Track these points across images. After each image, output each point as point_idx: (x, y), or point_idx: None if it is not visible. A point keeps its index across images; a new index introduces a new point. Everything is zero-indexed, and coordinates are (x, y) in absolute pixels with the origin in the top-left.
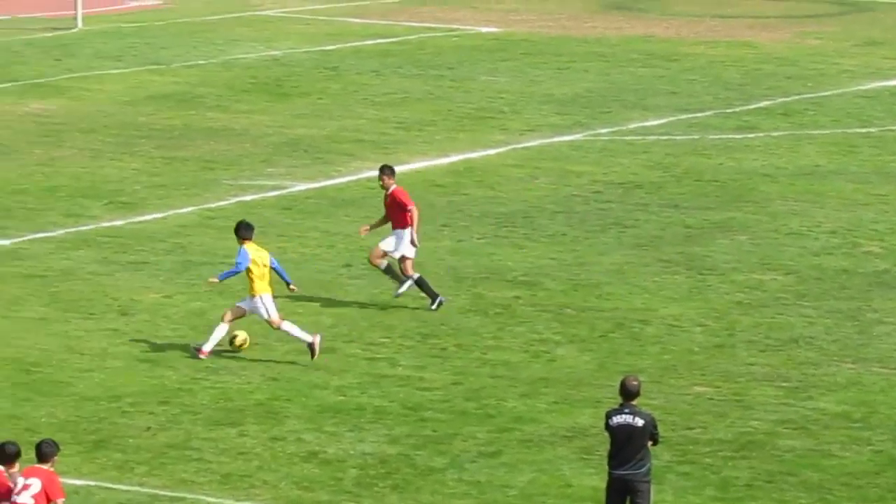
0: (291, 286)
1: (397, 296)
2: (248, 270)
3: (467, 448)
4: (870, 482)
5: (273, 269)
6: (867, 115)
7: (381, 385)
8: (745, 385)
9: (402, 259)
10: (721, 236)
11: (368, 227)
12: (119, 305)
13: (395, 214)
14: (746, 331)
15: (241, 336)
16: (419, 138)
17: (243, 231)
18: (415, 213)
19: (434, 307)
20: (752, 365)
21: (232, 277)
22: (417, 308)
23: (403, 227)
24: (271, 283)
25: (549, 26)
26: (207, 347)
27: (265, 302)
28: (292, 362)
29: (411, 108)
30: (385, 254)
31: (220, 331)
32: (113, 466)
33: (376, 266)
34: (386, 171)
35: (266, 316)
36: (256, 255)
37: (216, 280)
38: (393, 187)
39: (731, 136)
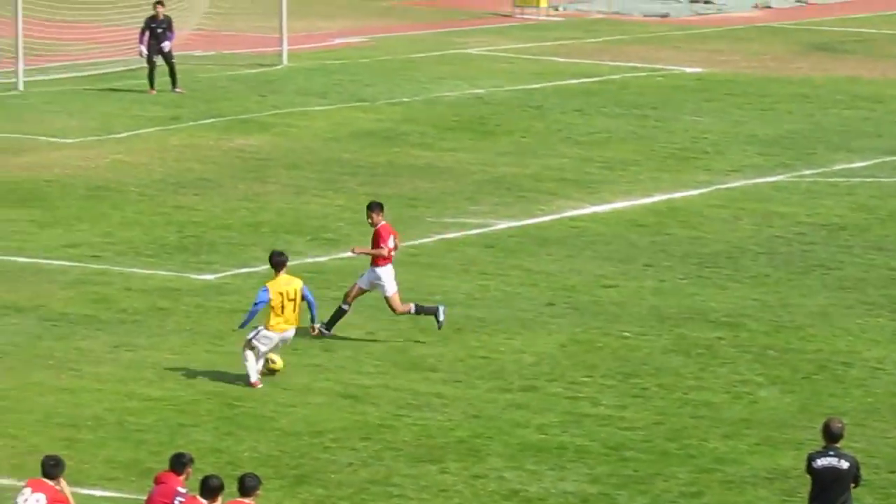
0: (314, 325)
1: (440, 325)
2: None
3: (668, 488)
4: None
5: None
6: None
7: (582, 424)
8: None
9: (390, 297)
10: None
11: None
12: (322, 342)
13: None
14: None
15: (279, 362)
16: (623, 178)
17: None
18: (383, 251)
19: (325, 331)
20: None
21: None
22: (619, 348)
23: (378, 264)
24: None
25: (753, 67)
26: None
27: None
28: (493, 400)
29: (615, 147)
30: (363, 291)
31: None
32: (314, 501)
33: (405, 312)
34: (374, 207)
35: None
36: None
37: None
38: (381, 224)
39: None
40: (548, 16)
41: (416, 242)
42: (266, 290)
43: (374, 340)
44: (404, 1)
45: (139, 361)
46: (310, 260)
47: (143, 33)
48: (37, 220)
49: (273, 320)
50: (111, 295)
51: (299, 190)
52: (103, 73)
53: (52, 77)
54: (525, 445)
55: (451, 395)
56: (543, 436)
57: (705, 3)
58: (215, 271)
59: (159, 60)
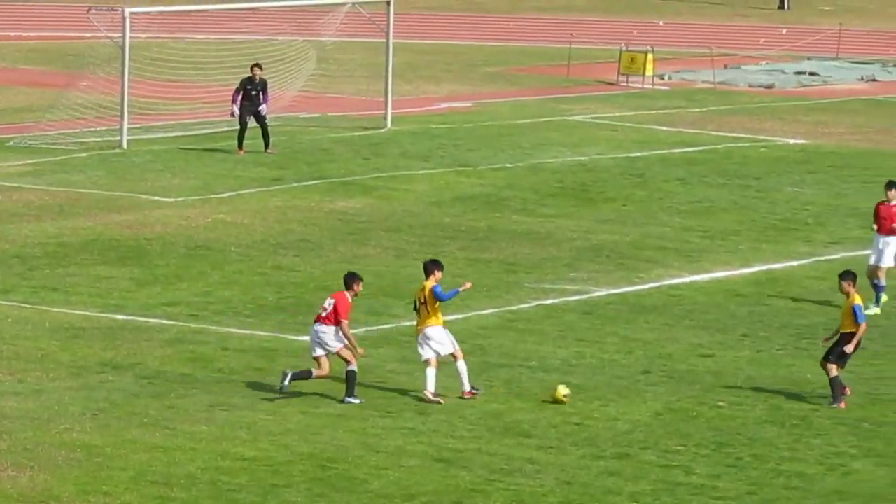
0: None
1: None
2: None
3: None
4: None
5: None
6: None
7: (675, 493)
8: None
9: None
10: None
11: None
12: (417, 405)
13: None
14: None
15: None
16: (723, 247)
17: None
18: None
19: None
20: None
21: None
22: (714, 417)
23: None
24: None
25: (857, 139)
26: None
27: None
28: (586, 467)
29: (716, 216)
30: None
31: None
32: None
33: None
34: (356, 279)
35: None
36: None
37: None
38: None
39: None
40: (653, 84)
41: (515, 308)
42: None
43: (469, 405)
44: (510, 68)
45: (234, 421)
46: (407, 323)
47: (237, 93)
48: (136, 277)
49: None
50: (208, 354)
51: (399, 253)
52: (207, 133)
53: (155, 136)
54: None
55: (543, 461)
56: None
57: (810, 74)
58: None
59: (252, 122)
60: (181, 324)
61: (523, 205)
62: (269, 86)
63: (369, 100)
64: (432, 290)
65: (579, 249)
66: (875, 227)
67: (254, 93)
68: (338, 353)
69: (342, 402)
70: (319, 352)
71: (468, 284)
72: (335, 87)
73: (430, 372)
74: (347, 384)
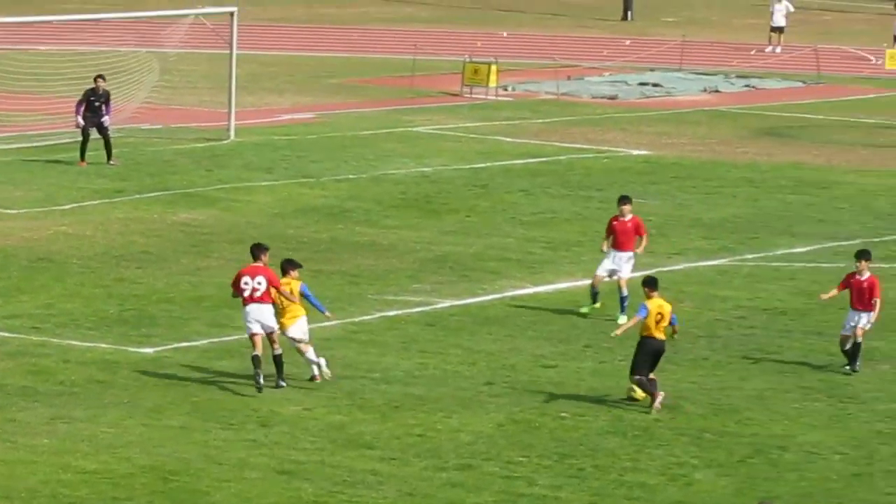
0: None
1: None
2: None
3: None
4: None
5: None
6: None
7: None
8: None
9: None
10: (864, 365)
11: None
12: (259, 416)
13: None
14: (886, 460)
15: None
16: (566, 258)
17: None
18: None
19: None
20: (890, 495)
21: None
22: (557, 428)
23: None
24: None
25: (699, 151)
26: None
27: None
28: (428, 479)
29: (559, 228)
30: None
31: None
32: None
33: None
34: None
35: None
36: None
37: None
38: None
39: (878, 265)
40: (497, 96)
41: (358, 319)
42: None
43: (312, 417)
44: (353, 79)
45: (75, 434)
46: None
47: (80, 105)
48: None
49: None
50: (49, 367)
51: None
52: (50, 145)
53: None
54: None
55: (386, 472)
56: None
57: (654, 86)
58: (155, 345)
59: (94, 133)
60: (22, 336)
61: (366, 216)
62: (112, 97)
63: (212, 111)
64: (301, 291)
65: (422, 261)
66: (605, 244)
67: (97, 104)
68: (269, 335)
69: (276, 387)
70: (257, 329)
71: (330, 315)
72: (178, 98)
73: (310, 353)
74: (278, 368)
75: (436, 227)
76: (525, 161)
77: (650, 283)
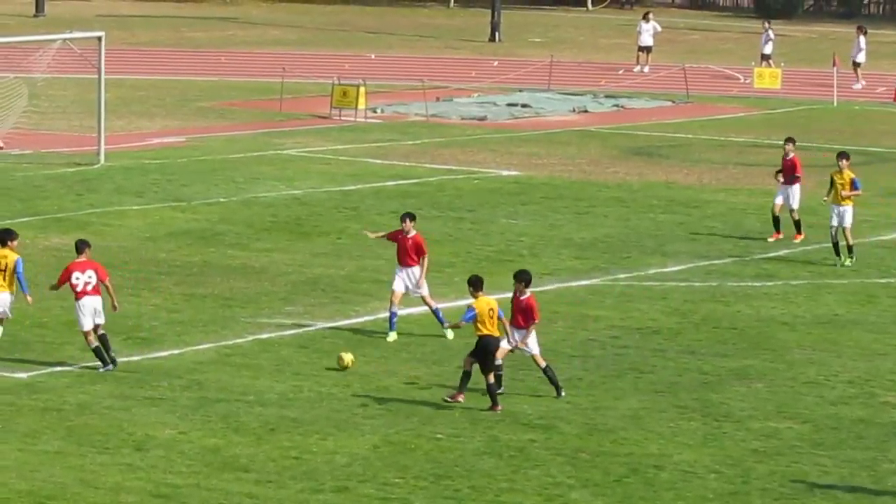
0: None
1: None
2: None
3: None
4: None
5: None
6: (886, 266)
7: None
8: None
9: None
10: (738, 384)
11: None
12: (134, 440)
13: None
14: (761, 479)
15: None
16: (438, 280)
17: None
18: None
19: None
20: None
21: None
22: (432, 449)
23: None
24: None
25: (569, 171)
26: None
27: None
28: (305, 501)
29: (431, 250)
30: None
31: None
32: None
33: None
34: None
35: None
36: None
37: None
38: None
39: (749, 283)
40: (366, 118)
41: (231, 342)
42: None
43: (188, 440)
44: (222, 102)
45: None
46: (123, 359)
47: None
48: None
49: None
50: None
51: (114, 289)
52: None
53: None
54: None
55: (262, 495)
56: None
57: (522, 106)
58: (28, 370)
59: None
60: None
61: (238, 239)
62: None
63: (82, 136)
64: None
65: (295, 283)
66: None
67: None
68: (99, 324)
69: (101, 370)
70: (90, 324)
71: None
72: (47, 123)
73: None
74: (107, 346)
75: (307, 249)
76: (396, 183)
77: (475, 283)
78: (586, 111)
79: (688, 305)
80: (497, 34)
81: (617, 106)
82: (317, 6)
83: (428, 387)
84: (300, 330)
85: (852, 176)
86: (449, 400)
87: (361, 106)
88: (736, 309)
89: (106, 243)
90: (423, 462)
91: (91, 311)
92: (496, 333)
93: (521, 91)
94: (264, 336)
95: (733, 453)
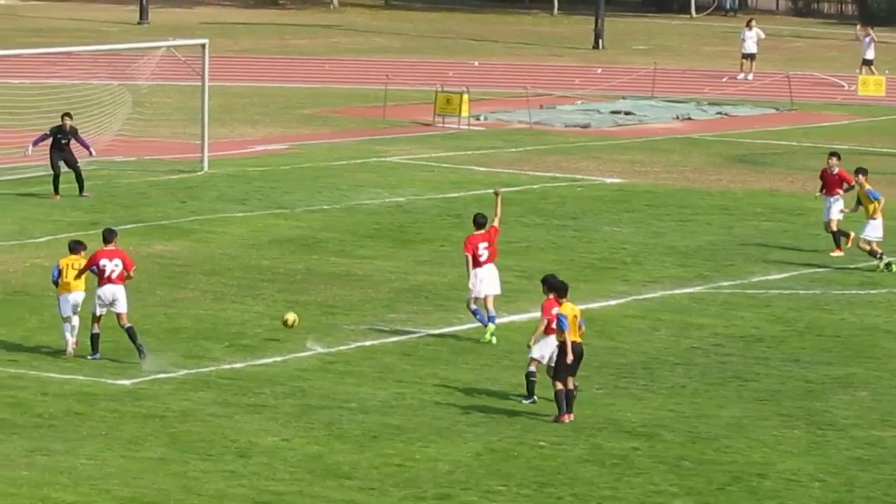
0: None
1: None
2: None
3: None
4: None
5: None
6: None
7: None
8: None
9: None
10: (841, 392)
11: None
12: (237, 447)
13: None
14: (865, 487)
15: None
16: (540, 287)
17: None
18: None
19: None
20: None
21: None
22: (535, 457)
23: None
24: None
25: (673, 178)
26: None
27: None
28: None
29: (533, 257)
30: None
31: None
32: None
33: None
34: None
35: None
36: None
37: None
38: None
39: (854, 291)
40: (469, 125)
41: (334, 350)
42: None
43: (290, 448)
44: (325, 109)
45: (54, 466)
46: (226, 366)
47: (40, 139)
48: None
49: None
50: (27, 399)
51: (218, 296)
52: (22, 179)
53: None
54: None
55: (364, 502)
56: None
57: (626, 114)
58: (132, 376)
59: (64, 167)
60: (0, 369)
61: (341, 247)
62: (84, 130)
63: (185, 143)
64: None
65: (397, 291)
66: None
67: (63, 141)
68: (121, 314)
69: (90, 358)
70: (104, 311)
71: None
72: (151, 130)
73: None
74: (133, 336)
75: (410, 256)
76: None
77: (560, 289)
78: (690, 119)
79: (791, 313)
80: (601, 41)
81: (720, 113)
82: (420, 13)
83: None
84: (403, 337)
85: (867, 187)
86: (556, 420)
87: (465, 113)
88: (840, 317)
89: (209, 250)
90: (526, 469)
91: (109, 299)
92: (579, 340)
93: (624, 98)
94: (367, 343)
95: (837, 462)
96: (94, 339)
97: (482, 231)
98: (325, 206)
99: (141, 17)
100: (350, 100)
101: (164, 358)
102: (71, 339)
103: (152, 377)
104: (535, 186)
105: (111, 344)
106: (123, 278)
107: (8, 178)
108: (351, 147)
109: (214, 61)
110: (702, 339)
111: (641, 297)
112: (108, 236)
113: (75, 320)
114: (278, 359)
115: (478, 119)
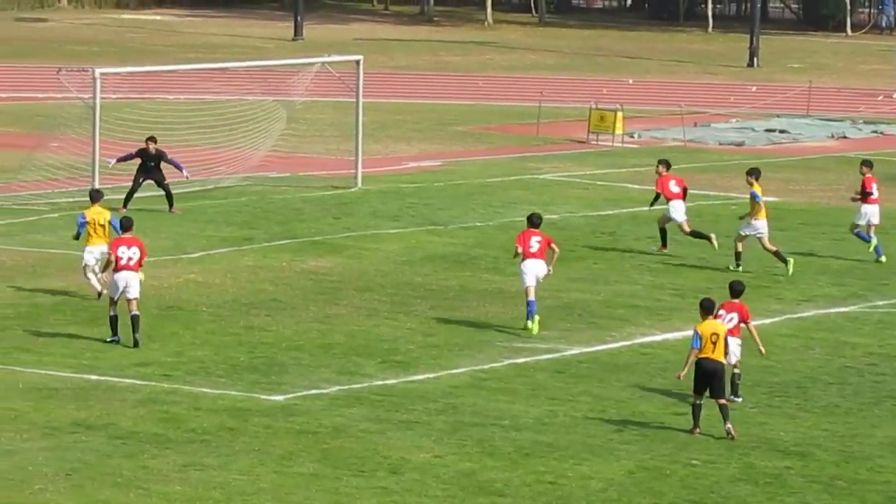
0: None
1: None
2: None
3: None
4: None
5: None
6: None
7: None
8: None
9: None
10: None
11: None
12: (390, 464)
13: None
14: None
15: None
16: (694, 305)
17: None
18: None
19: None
20: None
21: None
22: (687, 475)
23: None
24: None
25: (828, 197)
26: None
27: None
28: None
29: (686, 274)
30: None
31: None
32: None
33: None
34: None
35: None
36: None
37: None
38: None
39: None
40: (623, 142)
41: (486, 367)
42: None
43: (442, 464)
44: (480, 126)
45: (207, 481)
46: (379, 382)
47: (128, 157)
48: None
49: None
50: (180, 414)
51: (371, 312)
52: (177, 194)
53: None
54: None
55: None
56: None
57: (780, 132)
58: (285, 392)
59: (155, 186)
60: (153, 384)
61: (494, 263)
62: (238, 146)
63: (339, 159)
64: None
65: (550, 308)
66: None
67: (151, 164)
68: (132, 299)
69: (135, 346)
70: (120, 294)
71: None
72: (305, 146)
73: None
74: (135, 326)
75: (563, 274)
76: (652, 208)
77: (707, 307)
78: (845, 137)
79: None
80: (755, 59)
81: (876, 132)
82: (574, 31)
83: (684, 413)
84: (556, 355)
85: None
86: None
87: (619, 131)
88: None
89: (362, 266)
90: (678, 488)
91: (124, 283)
92: (717, 358)
93: (779, 116)
94: (519, 360)
95: None
96: (113, 321)
97: (536, 230)
98: (479, 223)
99: (296, 34)
100: (504, 117)
101: (316, 374)
102: (96, 282)
103: (305, 393)
104: (689, 204)
105: (264, 360)
106: (139, 266)
107: (163, 194)
108: (504, 164)
109: (368, 77)
110: (856, 359)
111: (795, 315)
112: (126, 224)
113: (97, 268)
114: (430, 375)
115: (632, 136)
